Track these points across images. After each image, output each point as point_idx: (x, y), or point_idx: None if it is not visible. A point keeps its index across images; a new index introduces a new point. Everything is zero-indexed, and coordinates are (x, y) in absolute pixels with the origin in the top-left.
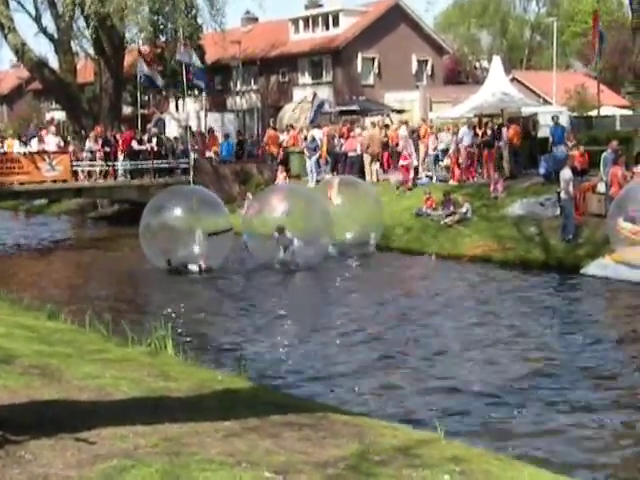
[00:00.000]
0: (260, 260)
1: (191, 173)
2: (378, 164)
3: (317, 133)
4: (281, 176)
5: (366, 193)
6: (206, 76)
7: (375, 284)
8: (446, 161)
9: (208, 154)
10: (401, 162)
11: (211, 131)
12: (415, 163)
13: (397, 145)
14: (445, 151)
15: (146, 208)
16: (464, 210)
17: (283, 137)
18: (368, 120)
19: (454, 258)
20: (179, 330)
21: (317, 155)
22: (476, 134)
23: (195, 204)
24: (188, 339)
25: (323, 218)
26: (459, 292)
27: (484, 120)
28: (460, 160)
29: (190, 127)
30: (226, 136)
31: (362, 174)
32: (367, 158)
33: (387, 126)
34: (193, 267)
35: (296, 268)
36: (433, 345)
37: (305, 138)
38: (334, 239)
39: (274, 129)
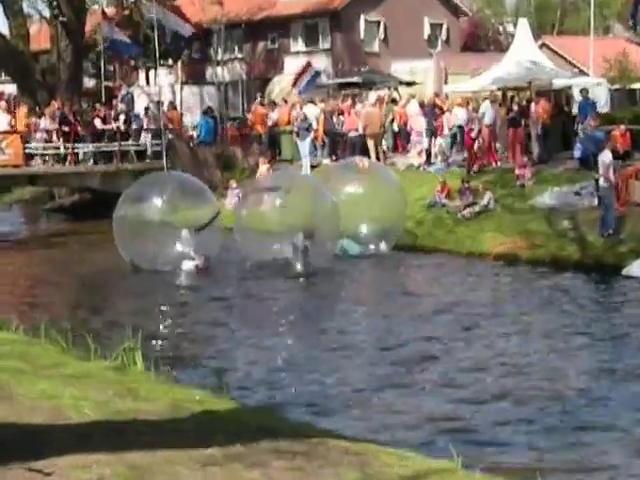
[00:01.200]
0: (252, 260)
1: (164, 157)
2: (385, 146)
3: (312, 110)
4: (264, 167)
5: (391, 182)
6: (185, 41)
7: (384, 289)
8: (463, 143)
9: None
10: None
11: (172, 106)
12: (426, 145)
13: (405, 124)
14: (462, 131)
15: (122, 197)
16: (485, 201)
17: (273, 114)
18: (373, 95)
19: (474, 256)
20: (152, 342)
21: (311, 136)
22: (501, 111)
23: (175, 194)
24: (162, 352)
25: (332, 213)
26: (486, 297)
27: (509, 94)
28: (480, 141)
29: (162, 103)
30: (205, 112)
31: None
32: (369, 140)
33: (395, 101)
34: (188, 266)
35: (310, 274)
36: (459, 360)
37: (295, 118)
38: (356, 236)
39: (262, 105)
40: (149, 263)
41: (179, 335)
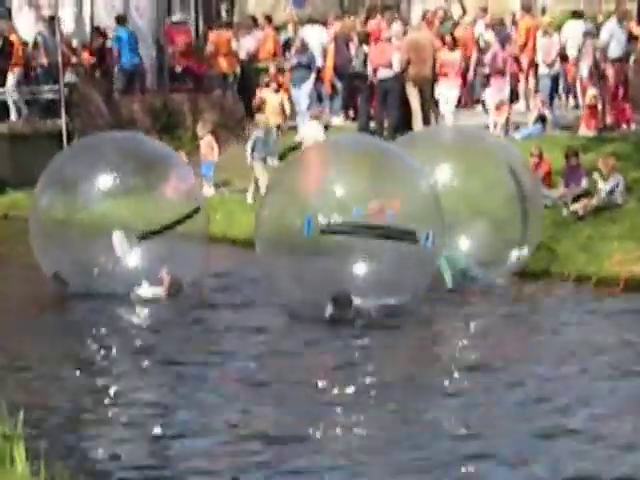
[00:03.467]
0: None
1: (63, 112)
2: (450, 94)
3: (315, 34)
4: (206, 138)
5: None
6: None
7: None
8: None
9: None
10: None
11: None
12: (507, 94)
13: (470, 59)
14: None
15: (43, 178)
16: (610, 187)
17: (248, 41)
18: (417, 8)
19: (585, 282)
20: (44, 423)
21: (313, 78)
22: (633, 36)
23: (129, 170)
24: (59, 442)
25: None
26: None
27: None
28: (601, 89)
29: (60, 19)
30: (120, 21)
31: (405, 114)
32: (410, 87)
33: (455, 24)
34: (148, 292)
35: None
36: None
37: (286, 44)
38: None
39: (226, 26)
40: (84, 280)
41: (96, 407)
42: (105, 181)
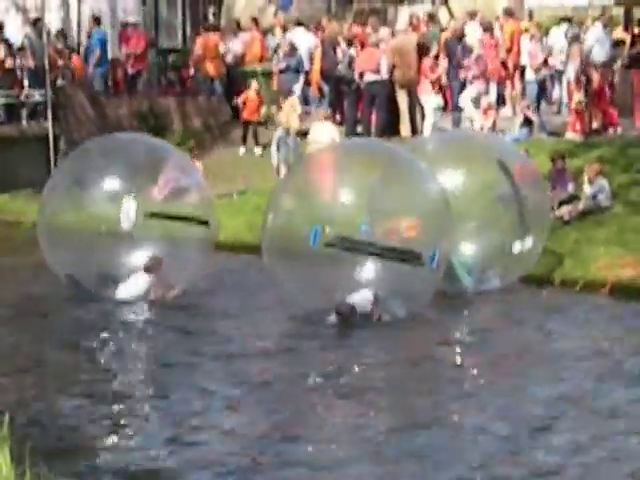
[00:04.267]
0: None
1: (49, 115)
2: (435, 96)
3: (302, 38)
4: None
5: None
6: None
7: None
8: (558, 92)
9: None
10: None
11: (61, 33)
12: (494, 96)
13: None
14: (559, 74)
15: (54, 178)
16: (595, 191)
17: (235, 44)
18: (405, 12)
19: (569, 287)
20: (29, 426)
21: (301, 81)
22: (619, 41)
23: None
24: (48, 444)
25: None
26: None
27: (637, 13)
28: (587, 92)
29: (43, 23)
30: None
31: (393, 117)
32: (399, 90)
33: (443, 29)
34: (133, 290)
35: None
36: None
37: (275, 50)
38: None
39: (213, 29)
40: (94, 281)
41: (83, 415)
42: (113, 183)
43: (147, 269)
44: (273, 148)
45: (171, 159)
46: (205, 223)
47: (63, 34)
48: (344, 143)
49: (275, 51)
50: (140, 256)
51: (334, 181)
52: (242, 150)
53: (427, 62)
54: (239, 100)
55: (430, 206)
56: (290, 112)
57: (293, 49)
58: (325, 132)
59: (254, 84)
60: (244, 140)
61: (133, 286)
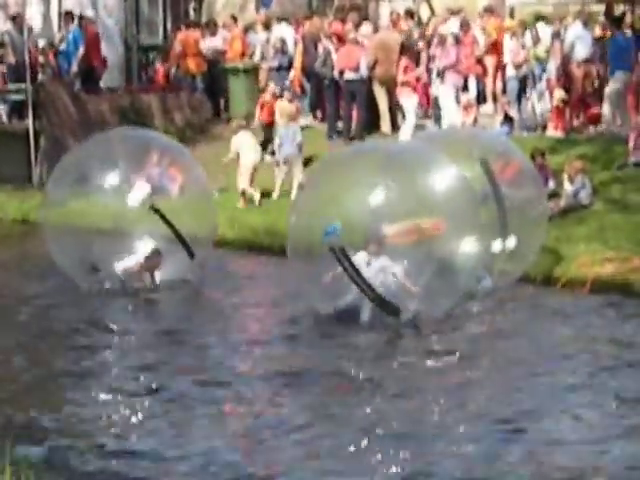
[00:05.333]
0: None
1: (30, 112)
2: (412, 98)
3: (285, 33)
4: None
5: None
6: None
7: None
8: (539, 90)
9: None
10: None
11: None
12: (474, 93)
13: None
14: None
15: (57, 172)
16: (576, 189)
17: (214, 41)
18: (385, 9)
19: (550, 284)
20: (10, 422)
21: (289, 78)
22: (600, 37)
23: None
24: (25, 440)
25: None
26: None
27: (617, 10)
28: (567, 90)
29: (23, 18)
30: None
31: (372, 115)
32: (378, 87)
33: (424, 25)
34: (129, 265)
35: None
36: None
37: (261, 48)
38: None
39: (194, 26)
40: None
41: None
42: (116, 178)
43: (148, 261)
44: (276, 145)
45: (169, 152)
46: (191, 255)
47: (44, 30)
48: (365, 144)
49: (260, 48)
50: (141, 247)
51: (354, 181)
52: (267, 157)
53: (404, 62)
54: (257, 105)
55: (455, 205)
56: (292, 117)
57: (284, 46)
58: (245, 142)
59: (271, 87)
60: (265, 145)
61: (128, 260)
